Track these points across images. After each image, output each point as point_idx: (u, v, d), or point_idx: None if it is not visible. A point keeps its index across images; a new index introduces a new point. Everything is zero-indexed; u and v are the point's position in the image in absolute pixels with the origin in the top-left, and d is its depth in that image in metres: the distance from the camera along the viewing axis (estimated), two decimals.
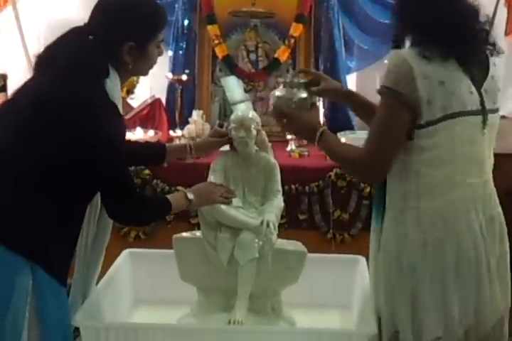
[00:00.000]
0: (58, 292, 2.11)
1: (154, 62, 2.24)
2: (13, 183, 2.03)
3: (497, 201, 2.19)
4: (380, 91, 2.07)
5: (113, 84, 2.10)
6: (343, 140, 3.28)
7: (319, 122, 2.30)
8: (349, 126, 4.59)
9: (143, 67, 2.22)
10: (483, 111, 2.09)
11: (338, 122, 4.61)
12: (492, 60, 2.16)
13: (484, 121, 2.09)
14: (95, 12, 2.16)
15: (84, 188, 2.11)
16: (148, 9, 2.17)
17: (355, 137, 4.01)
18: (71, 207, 2.10)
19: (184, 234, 2.61)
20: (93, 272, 2.33)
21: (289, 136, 4.12)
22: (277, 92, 2.30)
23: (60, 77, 2.04)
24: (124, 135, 2.15)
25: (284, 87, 2.30)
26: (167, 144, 2.74)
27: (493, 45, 2.14)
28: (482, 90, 2.10)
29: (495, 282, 2.14)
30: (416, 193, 2.09)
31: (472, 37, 2.09)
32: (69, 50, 2.09)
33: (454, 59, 2.06)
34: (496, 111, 2.15)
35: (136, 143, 2.69)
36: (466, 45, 2.07)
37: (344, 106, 4.75)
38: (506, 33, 4.33)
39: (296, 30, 4.60)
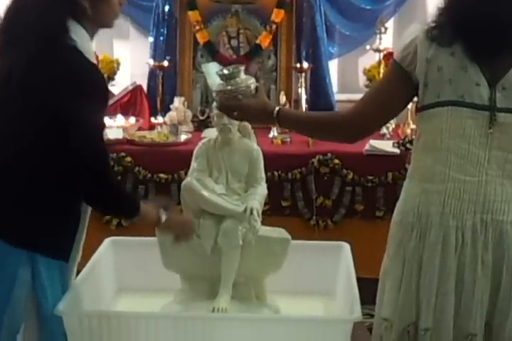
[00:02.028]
0: (58, 280, 2.10)
1: (115, 9, 2.10)
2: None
3: (507, 208, 1.97)
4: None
5: (82, 40, 2.01)
6: None
7: (269, 103, 2.24)
8: (330, 108, 4.59)
9: (104, 14, 2.08)
10: (490, 108, 1.95)
11: (319, 104, 4.60)
12: None
13: (491, 119, 1.95)
14: None
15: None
16: None
17: None
18: (64, 189, 2.05)
19: None
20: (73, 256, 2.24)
21: None
22: (219, 87, 2.24)
23: (23, 52, 1.95)
24: (104, 101, 2.07)
25: (222, 79, 2.23)
26: None
27: None
28: (498, 85, 1.95)
29: (469, 295, 1.98)
30: (408, 174, 2.11)
31: (494, 25, 1.92)
32: (24, 17, 1.98)
33: (463, 46, 1.96)
34: None
35: None
36: (479, 33, 1.93)
37: (325, 88, 4.77)
38: None
39: (277, 16, 4.56)
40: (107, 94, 2.10)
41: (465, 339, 2.00)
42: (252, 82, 2.23)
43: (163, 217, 2.21)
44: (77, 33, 2.00)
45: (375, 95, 2.13)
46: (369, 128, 2.15)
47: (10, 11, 2.03)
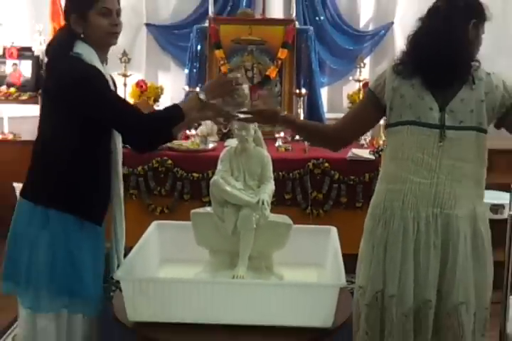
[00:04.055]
0: (89, 241, 2.11)
1: (105, 29, 2.04)
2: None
3: (454, 203, 1.95)
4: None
5: (87, 53, 2.02)
6: None
7: (279, 111, 2.30)
8: None
9: (96, 34, 2.04)
10: (441, 126, 1.95)
11: (313, 121, 4.57)
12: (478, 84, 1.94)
13: (441, 135, 1.95)
14: None
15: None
16: None
17: None
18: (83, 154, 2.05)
19: (198, 210, 2.58)
20: (118, 224, 2.24)
21: (276, 135, 4.12)
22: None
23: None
24: (103, 80, 2.02)
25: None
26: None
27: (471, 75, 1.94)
28: (447, 108, 1.95)
29: (424, 270, 1.96)
30: (379, 176, 2.11)
31: (444, 65, 1.92)
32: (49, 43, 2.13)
33: (421, 79, 1.96)
34: (462, 128, 1.95)
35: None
36: (433, 70, 1.93)
37: (318, 109, 4.76)
38: None
39: (282, 54, 4.57)
40: (104, 79, 2.04)
41: (422, 303, 1.99)
42: (246, 87, 2.25)
43: (201, 95, 2.14)
44: (83, 49, 2.02)
45: (353, 115, 2.15)
46: (349, 140, 2.19)
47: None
